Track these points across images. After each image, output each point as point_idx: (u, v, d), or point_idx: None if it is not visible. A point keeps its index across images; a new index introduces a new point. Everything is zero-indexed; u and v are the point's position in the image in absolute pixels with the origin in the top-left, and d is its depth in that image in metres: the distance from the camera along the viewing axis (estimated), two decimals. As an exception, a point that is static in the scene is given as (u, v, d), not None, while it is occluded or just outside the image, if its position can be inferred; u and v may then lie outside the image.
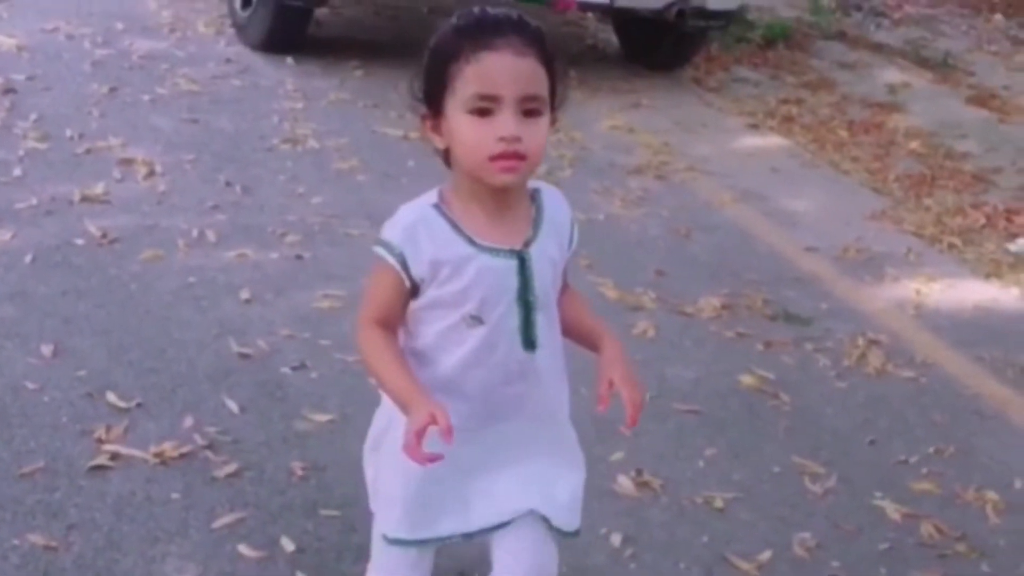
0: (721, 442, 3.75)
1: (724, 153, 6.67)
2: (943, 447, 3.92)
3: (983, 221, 6.00)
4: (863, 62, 8.63)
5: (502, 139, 1.97)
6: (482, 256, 2.06)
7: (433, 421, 1.95)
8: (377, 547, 2.35)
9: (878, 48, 8.99)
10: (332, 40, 7.61)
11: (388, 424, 2.21)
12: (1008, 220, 6.02)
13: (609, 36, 8.50)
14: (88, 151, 5.28)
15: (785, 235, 5.59)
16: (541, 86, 2.01)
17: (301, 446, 3.39)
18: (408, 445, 1.96)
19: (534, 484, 2.22)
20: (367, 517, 3.10)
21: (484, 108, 1.97)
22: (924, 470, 3.78)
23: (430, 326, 2.12)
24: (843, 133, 7.19)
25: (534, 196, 2.15)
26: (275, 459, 3.31)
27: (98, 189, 4.86)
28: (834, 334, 4.61)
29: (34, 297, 3.97)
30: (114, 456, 3.20)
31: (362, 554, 2.97)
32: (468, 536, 2.25)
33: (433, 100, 2.05)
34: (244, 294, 4.19)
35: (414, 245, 2.05)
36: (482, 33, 1.99)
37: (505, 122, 1.97)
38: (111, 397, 3.46)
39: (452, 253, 2.06)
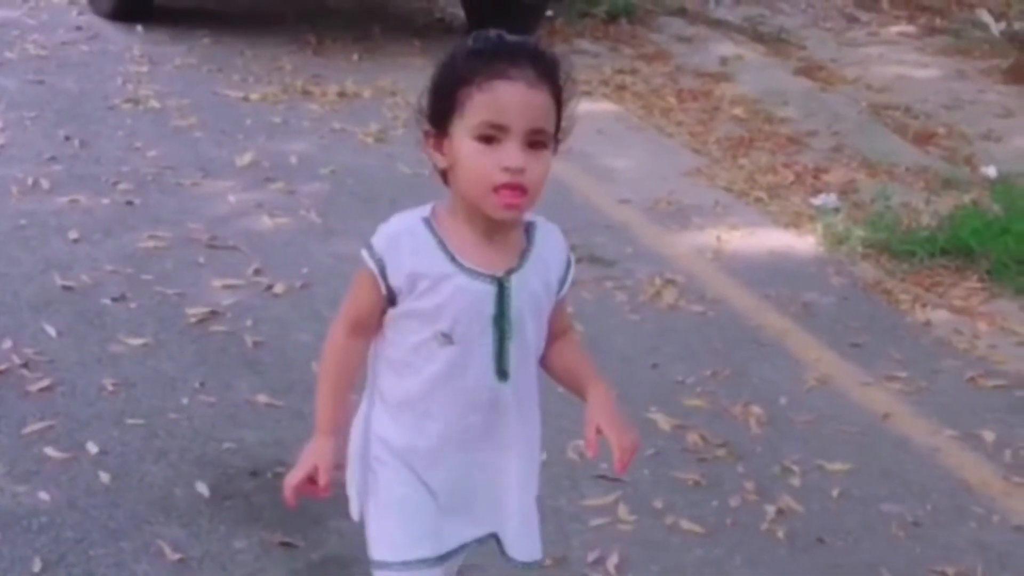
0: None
1: (556, 117, 6.97)
2: (720, 370, 4.29)
3: (792, 178, 6.39)
4: (700, 36, 9.02)
5: (506, 169, 1.97)
6: (461, 276, 2.07)
7: (314, 474, 2.08)
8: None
9: (717, 24, 9.39)
10: (185, 11, 7.79)
11: (365, 439, 2.22)
12: (815, 178, 6.42)
13: (456, 10, 8.79)
14: (-70, 108, 5.47)
15: (602, 189, 5.95)
16: (549, 120, 2.03)
17: (114, 365, 3.66)
18: (287, 485, 2.11)
19: (509, 520, 2.24)
20: (171, 425, 3.42)
21: (491, 136, 1.99)
22: (699, 389, 4.15)
23: (405, 338, 2.13)
24: (672, 100, 7.56)
25: (528, 228, 2.16)
26: (88, 376, 3.57)
27: (-64, 142, 5.07)
28: (634, 274, 4.97)
29: None
30: (-69, 373, 3.45)
31: (162, 456, 3.26)
32: (442, 559, 2.22)
33: (439, 119, 2.05)
34: (73, 234, 4.43)
35: (395, 254, 2.07)
36: (498, 60, 1.99)
37: (511, 152, 1.98)
38: (-67, 323, 3.70)
39: (432, 268, 2.07)
